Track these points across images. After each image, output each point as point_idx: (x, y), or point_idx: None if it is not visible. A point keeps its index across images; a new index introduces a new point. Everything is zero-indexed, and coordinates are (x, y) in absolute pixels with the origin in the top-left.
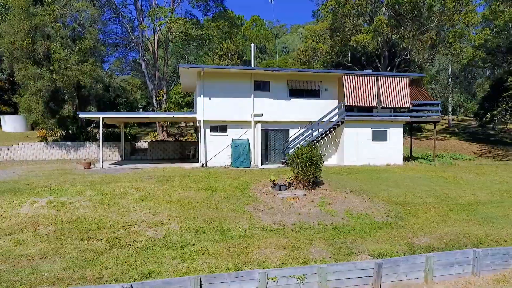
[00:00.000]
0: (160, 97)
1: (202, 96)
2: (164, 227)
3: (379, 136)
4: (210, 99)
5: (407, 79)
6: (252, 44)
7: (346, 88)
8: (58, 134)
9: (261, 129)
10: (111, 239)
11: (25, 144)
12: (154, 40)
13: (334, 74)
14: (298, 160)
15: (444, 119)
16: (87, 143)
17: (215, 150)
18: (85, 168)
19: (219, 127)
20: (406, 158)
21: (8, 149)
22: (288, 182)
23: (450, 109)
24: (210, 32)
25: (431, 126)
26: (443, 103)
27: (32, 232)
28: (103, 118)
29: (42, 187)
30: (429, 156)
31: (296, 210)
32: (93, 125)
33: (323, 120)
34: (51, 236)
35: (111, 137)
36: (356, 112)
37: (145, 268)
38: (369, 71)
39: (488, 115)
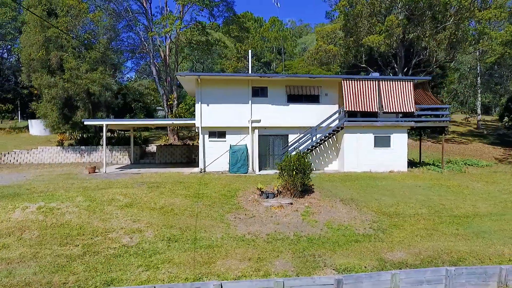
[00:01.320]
0: (170, 102)
1: (200, 102)
2: (140, 234)
3: (382, 142)
4: (208, 105)
5: (411, 82)
6: (250, 51)
7: (345, 93)
8: (73, 138)
9: (260, 135)
10: (87, 245)
11: (43, 148)
12: (165, 46)
13: (334, 79)
14: (285, 168)
15: (468, 121)
16: (100, 147)
17: (214, 156)
18: (89, 173)
19: (218, 133)
20: (413, 164)
21: (27, 153)
22: (278, 190)
23: (479, 110)
24: (217, 37)
25: (455, 128)
26: (471, 103)
27: (18, 237)
28: (107, 125)
29: (39, 192)
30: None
31: (276, 220)
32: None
33: (321, 125)
34: (33, 241)
35: (122, 141)
36: (358, 118)
37: (109, 275)
38: (376, 74)
39: (506, 118)
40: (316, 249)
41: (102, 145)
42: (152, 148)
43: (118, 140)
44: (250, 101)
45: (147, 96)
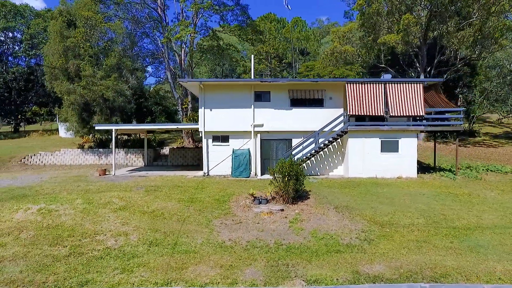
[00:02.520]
0: (185, 105)
1: (203, 107)
2: (126, 237)
3: (389, 146)
4: (211, 110)
5: (420, 85)
6: (252, 56)
7: (349, 96)
8: (92, 141)
9: (263, 139)
10: (74, 246)
11: (65, 151)
12: (181, 51)
13: (339, 82)
14: (277, 174)
15: (502, 122)
16: (116, 149)
17: (217, 160)
18: (100, 175)
19: (221, 137)
20: (427, 169)
21: (51, 155)
22: (271, 196)
23: None
24: (229, 42)
25: (490, 129)
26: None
27: (16, 236)
28: (116, 130)
29: (44, 194)
30: (460, 166)
31: (262, 226)
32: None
33: (324, 130)
34: (28, 240)
35: (137, 144)
36: (366, 122)
37: (86, 276)
38: (388, 76)
39: None
40: (292, 258)
41: (120, 147)
42: (166, 150)
43: (133, 143)
44: (252, 106)
45: (167, 99)
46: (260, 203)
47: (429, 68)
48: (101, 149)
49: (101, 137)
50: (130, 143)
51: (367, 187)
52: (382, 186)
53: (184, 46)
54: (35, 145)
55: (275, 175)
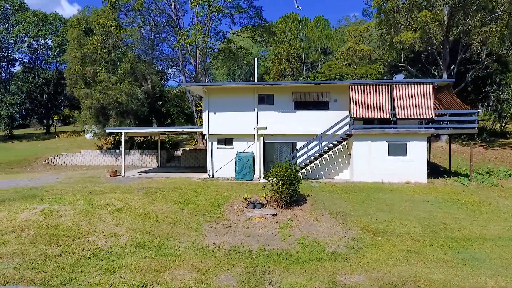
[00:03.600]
0: (199, 108)
1: (207, 111)
2: (116, 238)
3: (397, 150)
4: (215, 113)
5: (430, 85)
6: (256, 59)
7: (353, 99)
8: (111, 143)
9: (266, 142)
10: (67, 246)
11: (85, 152)
12: (196, 54)
13: (344, 85)
14: (272, 178)
15: None
16: (132, 151)
17: (222, 162)
18: (110, 176)
19: (226, 140)
20: (442, 174)
21: (72, 156)
22: (267, 200)
23: None
24: (242, 44)
25: None
26: None
27: (17, 235)
28: (126, 133)
29: (52, 195)
30: (479, 171)
31: (251, 231)
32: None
33: (328, 133)
34: (27, 239)
35: (152, 145)
36: (374, 124)
37: (71, 275)
38: (400, 76)
39: None
40: (271, 265)
41: (135, 148)
42: (180, 152)
43: (148, 145)
44: (256, 109)
45: (186, 101)
46: (254, 207)
47: (452, 66)
48: (117, 151)
49: (118, 138)
50: (145, 145)
51: (369, 193)
52: (385, 192)
53: (197, 50)
54: (61, 146)
55: (269, 179)
